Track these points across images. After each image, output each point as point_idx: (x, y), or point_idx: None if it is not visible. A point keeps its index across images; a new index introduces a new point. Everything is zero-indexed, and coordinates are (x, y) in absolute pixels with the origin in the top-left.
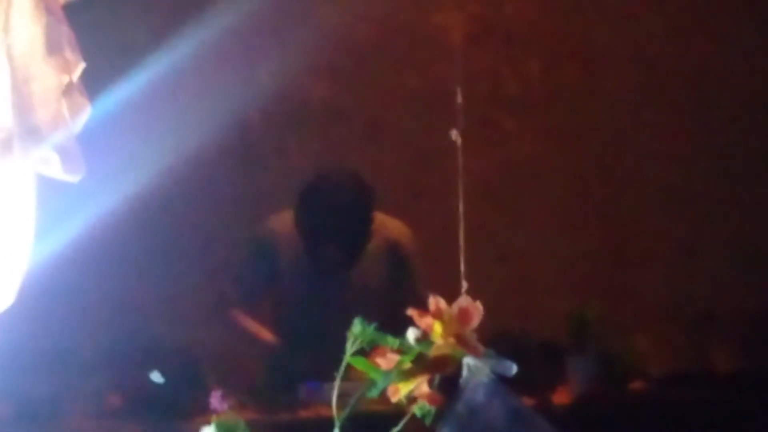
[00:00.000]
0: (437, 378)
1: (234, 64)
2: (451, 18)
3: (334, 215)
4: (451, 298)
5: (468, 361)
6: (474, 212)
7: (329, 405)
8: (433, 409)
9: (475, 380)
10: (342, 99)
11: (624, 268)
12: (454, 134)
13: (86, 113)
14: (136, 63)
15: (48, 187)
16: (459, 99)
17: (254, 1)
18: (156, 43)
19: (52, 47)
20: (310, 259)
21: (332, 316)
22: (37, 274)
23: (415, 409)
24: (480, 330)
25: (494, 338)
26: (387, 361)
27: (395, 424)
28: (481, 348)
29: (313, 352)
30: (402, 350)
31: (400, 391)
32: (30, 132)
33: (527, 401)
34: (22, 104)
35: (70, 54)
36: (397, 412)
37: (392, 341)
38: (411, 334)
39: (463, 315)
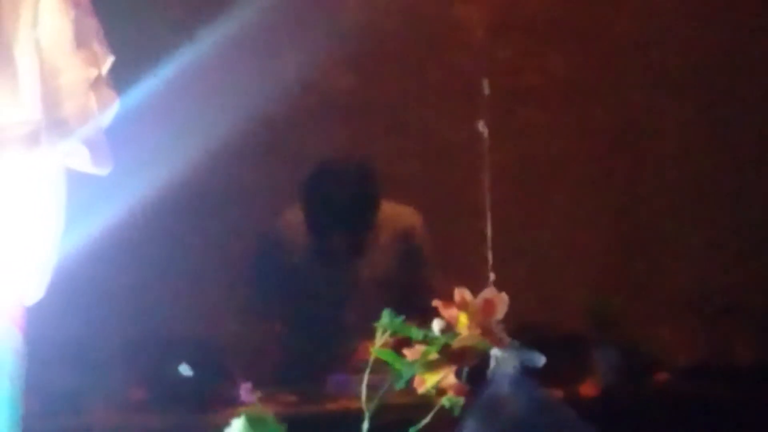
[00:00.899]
0: (465, 369)
1: (258, 57)
2: (474, 10)
3: (339, 203)
4: (475, 290)
5: (495, 352)
6: (498, 204)
7: (356, 397)
8: (461, 400)
9: (501, 371)
10: (365, 91)
11: (647, 259)
12: (481, 125)
13: (114, 106)
14: (162, 56)
15: (75, 180)
16: (485, 91)
17: None
18: (182, 35)
19: (80, 40)
20: (317, 249)
21: (347, 306)
22: (63, 267)
23: (443, 401)
24: (504, 321)
25: (518, 330)
26: (412, 352)
27: (423, 417)
28: (506, 339)
29: (330, 343)
30: (427, 341)
31: (425, 383)
32: (58, 125)
33: (553, 393)
34: (50, 97)
35: (98, 47)
36: (425, 404)
37: (417, 332)
38: (436, 325)
39: (489, 306)
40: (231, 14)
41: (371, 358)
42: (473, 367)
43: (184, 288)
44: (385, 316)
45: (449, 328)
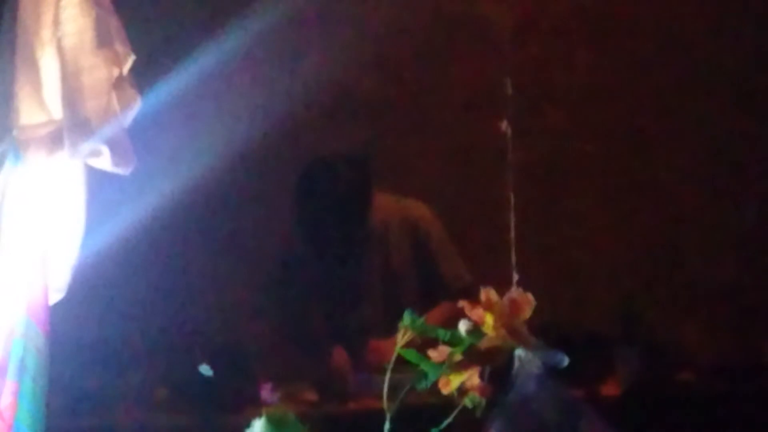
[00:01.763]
0: (488, 369)
1: (281, 57)
2: (499, 9)
3: (329, 196)
4: (500, 289)
5: (519, 352)
6: (522, 203)
7: (378, 397)
8: (483, 400)
9: (525, 372)
10: (389, 90)
11: (672, 258)
12: (504, 125)
13: (136, 106)
14: (184, 56)
15: (98, 179)
16: (509, 90)
17: None
18: (204, 35)
19: (102, 40)
20: (310, 245)
21: (362, 302)
22: (86, 267)
23: (466, 401)
24: (528, 321)
25: (543, 329)
26: (438, 353)
27: (444, 416)
28: (532, 339)
29: (346, 340)
30: (452, 342)
31: (451, 383)
32: (80, 124)
33: (576, 392)
34: (72, 97)
35: (119, 46)
36: (447, 403)
37: (443, 333)
38: (462, 326)
39: (515, 306)
40: (254, 15)
41: (393, 358)
42: (495, 368)
43: (208, 288)
44: (407, 317)
45: (476, 329)
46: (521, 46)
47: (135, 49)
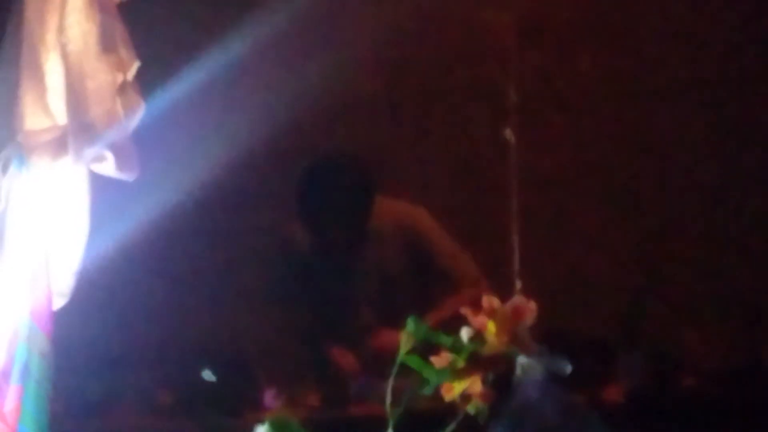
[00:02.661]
0: (491, 376)
1: (284, 61)
2: (502, 14)
3: (332, 195)
4: (503, 296)
5: (521, 359)
6: (525, 210)
7: (381, 402)
8: (486, 407)
9: (528, 378)
10: (392, 94)
11: (675, 264)
12: (508, 133)
13: (140, 111)
14: (188, 60)
15: (102, 184)
16: (512, 97)
17: None
18: (208, 39)
19: (106, 45)
20: (313, 242)
21: (359, 306)
22: (91, 272)
23: (469, 408)
24: (532, 327)
25: (546, 335)
26: (440, 359)
27: (447, 423)
28: (534, 346)
29: (346, 344)
30: (455, 348)
31: (454, 390)
32: (84, 130)
33: (579, 398)
34: (77, 102)
35: (124, 52)
36: (449, 410)
37: (446, 339)
38: (464, 332)
39: (517, 313)
40: (257, 19)
41: (396, 364)
42: (499, 374)
43: (211, 293)
44: (410, 324)
45: (478, 336)
46: (526, 53)
47: (139, 55)
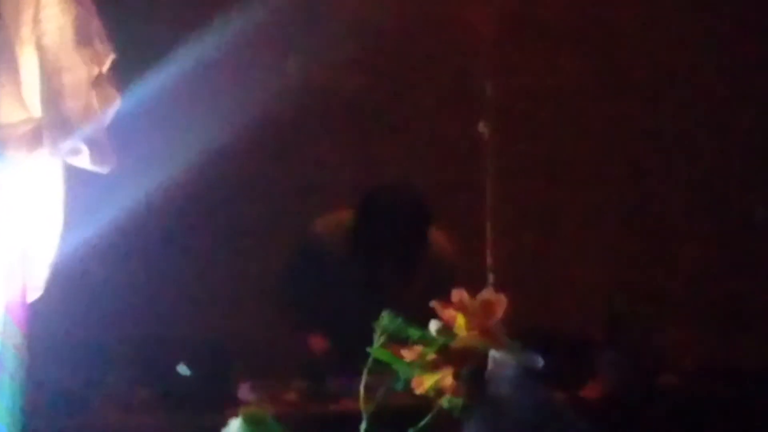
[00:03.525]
0: (465, 371)
1: (264, 58)
2: (481, 12)
3: (393, 237)
4: (476, 290)
5: (494, 353)
6: (504, 207)
7: (358, 398)
8: (460, 401)
9: (500, 373)
10: (372, 92)
11: (654, 263)
12: (482, 126)
13: (116, 105)
14: (166, 55)
15: (77, 178)
16: (488, 92)
17: None
18: (186, 34)
19: (82, 39)
20: (363, 277)
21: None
22: (67, 266)
23: (443, 402)
24: (510, 324)
25: (524, 333)
26: (411, 353)
27: (423, 418)
28: (505, 340)
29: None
30: (426, 342)
31: (424, 384)
32: (60, 123)
33: (557, 395)
34: (52, 95)
35: (99, 45)
36: (425, 406)
37: (414, 332)
38: (433, 326)
39: (487, 307)
40: (236, 14)
41: (370, 359)
42: (473, 369)
43: (188, 287)
44: (385, 318)
45: (447, 329)
46: (503, 48)
47: (115, 48)
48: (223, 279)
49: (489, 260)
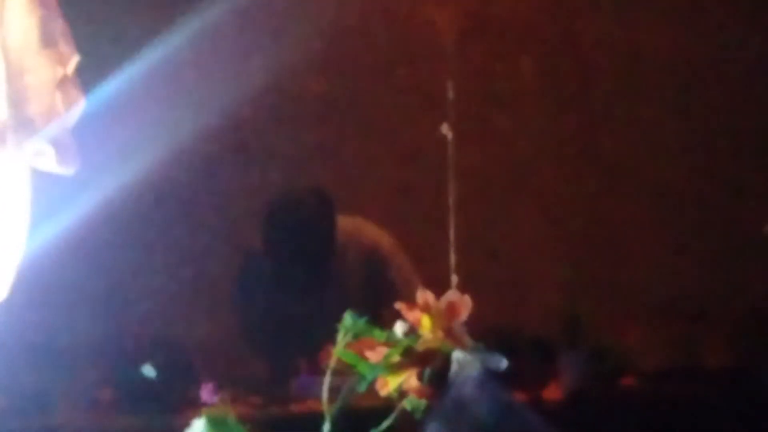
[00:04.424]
0: (428, 372)
1: (227, 58)
2: (443, 13)
3: (296, 238)
4: (442, 293)
5: (457, 355)
6: (466, 208)
7: (321, 399)
8: (422, 403)
9: (464, 374)
10: (334, 94)
11: (616, 264)
12: (445, 128)
13: (80, 106)
14: (130, 56)
15: (41, 180)
16: (450, 94)
17: None
18: (150, 36)
19: (47, 40)
20: (278, 282)
21: (317, 328)
22: (31, 267)
23: (405, 403)
24: (471, 325)
25: (486, 334)
26: (375, 354)
27: (386, 419)
28: (469, 341)
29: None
30: (390, 343)
31: (388, 385)
32: (24, 125)
33: (518, 397)
34: (17, 97)
35: (64, 47)
36: (388, 407)
37: (379, 334)
38: (399, 327)
39: (452, 309)
40: (200, 15)
41: (333, 360)
42: (436, 370)
43: (152, 289)
44: (348, 318)
45: (412, 331)
46: (466, 50)
47: (80, 50)
48: (185, 280)
49: (452, 261)
